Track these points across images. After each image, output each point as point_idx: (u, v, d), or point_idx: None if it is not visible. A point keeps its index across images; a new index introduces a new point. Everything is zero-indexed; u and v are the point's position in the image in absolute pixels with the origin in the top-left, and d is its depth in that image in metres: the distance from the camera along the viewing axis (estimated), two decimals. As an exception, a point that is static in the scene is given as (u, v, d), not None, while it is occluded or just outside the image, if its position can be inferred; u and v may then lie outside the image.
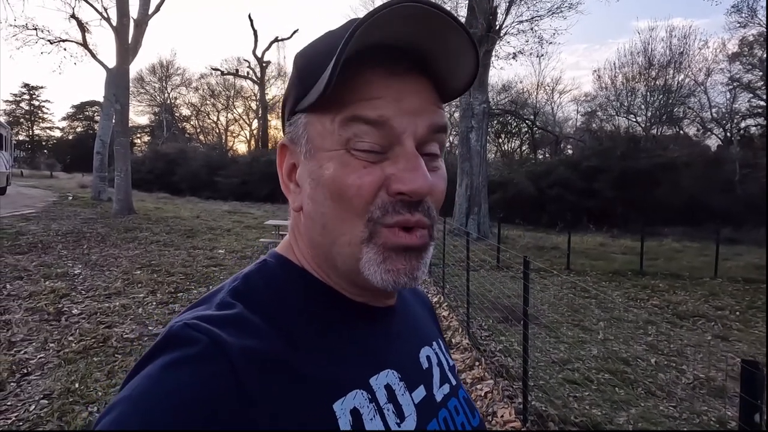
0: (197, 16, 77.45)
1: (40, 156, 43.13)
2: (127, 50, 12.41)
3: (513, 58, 13.56)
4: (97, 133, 14.78)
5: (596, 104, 26.60)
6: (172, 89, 38.65)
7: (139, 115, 39.69)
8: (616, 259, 9.30)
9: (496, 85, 26.45)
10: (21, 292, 4.75)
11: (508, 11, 12.04)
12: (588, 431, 2.73)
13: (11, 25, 14.14)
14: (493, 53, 12.36)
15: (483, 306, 5.03)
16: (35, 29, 14.48)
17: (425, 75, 0.42)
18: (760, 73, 19.19)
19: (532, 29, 12.74)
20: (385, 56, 0.40)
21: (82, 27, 14.65)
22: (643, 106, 23.47)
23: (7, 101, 43.38)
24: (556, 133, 27.02)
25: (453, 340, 4.11)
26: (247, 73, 32.33)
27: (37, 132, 44.97)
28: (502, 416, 2.75)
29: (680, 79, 22.49)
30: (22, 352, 3.38)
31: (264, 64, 30.71)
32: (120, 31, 12.43)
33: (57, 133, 45.46)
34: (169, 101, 38.46)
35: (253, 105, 36.11)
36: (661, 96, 22.69)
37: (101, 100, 16.02)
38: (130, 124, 13.79)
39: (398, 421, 0.42)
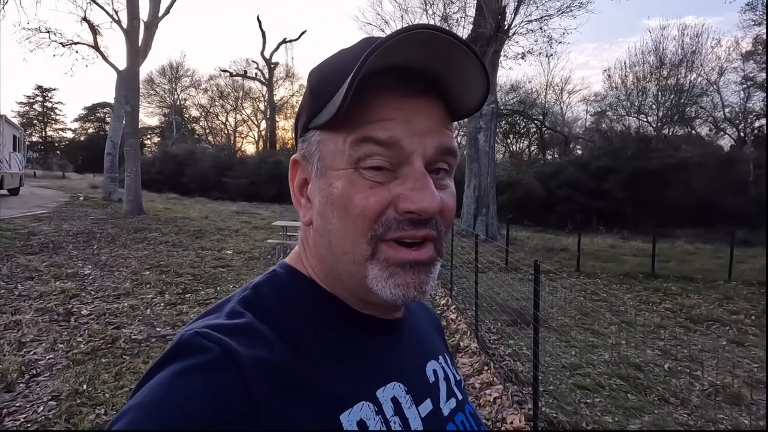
0: (206, 18, 78.17)
1: (52, 157, 43.79)
2: (137, 52, 12.55)
3: (522, 57, 13.46)
4: (108, 134, 14.98)
5: (606, 104, 26.33)
6: (181, 91, 39.06)
7: (149, 116, 40.17)
8: (627, 261, 9.17)
9: (505, 86, 26.33)
10: (32, 293, 4.80)
11: (516, 11, 11.95)
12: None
13: (25, 28, 14.37)
14: (502, 53, 12.27)
15: (491, 309, 4.97)
16: (48, 32, 14.72)
17: (436, 96, 0.43)
18: (775, 72, 18.84)
19: (541, 29, 12.64)
20: (398, 78, 0.41)
21: (94, 30, 14.84)
22: (654, 106, 23.17)
23: (20, 103, 44.22)
24: (565, 133, 26.79)
25: (461, 344, 4.06)
26: (256, 74, 32.53)
27: (49, 133, 45.73)
28: (511, 422, 2.70)
29: (692, 78, 22.18)
30: (32, 352, 3.40)
31: (272, 66, 30.87)
32: (130, 33, 12.56)
33: (69, 135, 46.21)
34: (178, 102, 38.84)
35: (262, 106, 36.32)
36: (672, 95, 22.37)
37: (112, 101, 16.24)
38: (140, 126, 13.94)
39: None
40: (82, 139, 44.22)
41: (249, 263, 7.12)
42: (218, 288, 5.53)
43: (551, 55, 13.90)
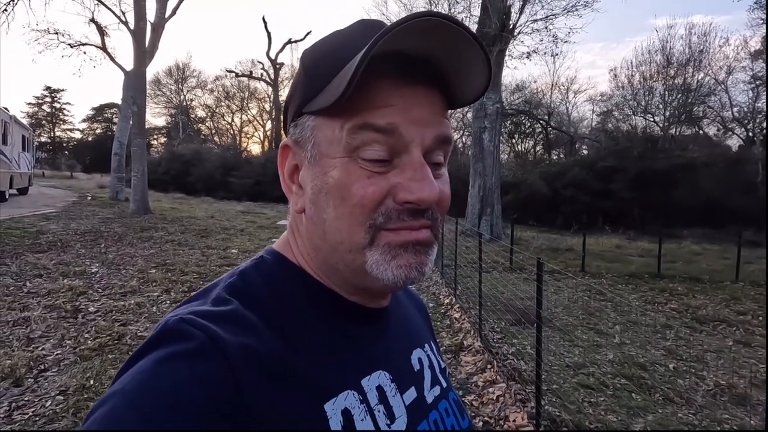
0: (212, 19, 78.63)
1: (60, 157, 44.25)
2: (144, 53, 12.65)
3: (527, 57, 13.42)
4: (115, 134, 15.10)
5: (612, 104, 26.17)
6: (187, 91, 39.34)
7: (155, 116, 40.51)
8: (632, 261, 9.11)
9: (510, 85, 26.26)
10: (40, 290, 4.86)
11: (522, 10, 11.91)
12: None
13: (34, 30, 14.55)
14: (507, 53, 12.24)
15: (495, 308, 4.97)
16: (56, 33, 14.87)
17: (435, 85, 0.42)
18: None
19: (546, 28, 12.58)
20: (398, 65, 0.40)
21: (101, 31, 14.98)
22: (661, 106, 22.98)
23: (29, 104, 44.70)
24: (571, 133, 26.65)
25: (465, 342, 4.06)
26: (261, 74, 32.68)
27: (58, 133, 46.18)
28: (514, 420, 2.70)
29: (700, 77, 21.96)
30: (40, 348, 3.45)
31: (277, 66, 30.98)
32: (137, 34, 12.67)
33: (77, 135, 46.64)
34: (184, 103, 39.11)
35: (267, 106, 36.49)
36: (679, 95, 22.17)
37: (119, 102, 16.38)
38: (146, 126, 14.06)
39: (389, 422, 0.42)
40: (89, 139, 44.63)
41: (254, 262, 7.15)
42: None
43: (557, 54, 13.86)
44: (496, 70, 11.34)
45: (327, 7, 75.81)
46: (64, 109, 46.24)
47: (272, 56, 30.40)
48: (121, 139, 14.63)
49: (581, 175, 17.19)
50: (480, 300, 4.41)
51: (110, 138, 21.17)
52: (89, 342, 3.59)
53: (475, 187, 11.50)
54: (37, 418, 2.51)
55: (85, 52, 16.26)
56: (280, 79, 31.77)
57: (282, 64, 31.60)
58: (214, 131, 41.06)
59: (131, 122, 13.20)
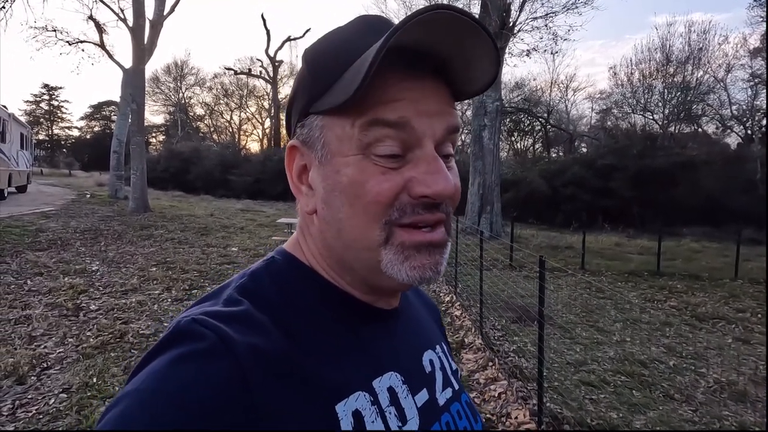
0: (211, 16, 78.31)
1: (59, 155, 44.15)
2: (142, 51, 12.61)
3: (527, 55, 13.38)
4: (114, 132, 15.07)
5: (612, 102, 26.14)
6: (186, 89, 39.21)
7: (154, 114, 40.41)
8: (632, 259, 9.13)
9: (509, 83, 26.20)
10: (41, 288, 4.86)
11: (521, 8, 11.89)
12: (604, 434, 2.68)
13: (32, 27, 14.48)
14: (507, 50, 12.22)
15: (496, 306, 4.98)
16: (54, 31, 14.80)
17: (441, 77, 0.42)
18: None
19: (546, 26, 12.54)
20: (405, 59, 0.40)
21: (100, 28, 14.92)
22: (660, 104, 22.97)
23: (27, 101, 44.55)
24: (570, 131, 26.65)
25: (465, 340, 4.08)
26: (260, 72, 32.60)
27: (56, 131, 46.06)
28: (516, 418, 2.72)
29: (699, 75, 21.92)
30: (42, 346, 3.45)
31: (276, 64, 30.91)
32: (136, 31, 12.63)
33: (75, 133, 46.56)
34: (183, 101, 38.99)
35: (266, 104, 36.39)
36: (679, 93, 22.16)
37: (118, 99, 16.33)
38: (145, 124, 14.03)
39: (400, 424, 0.42)
40: (88, 137, 44.52)
41: (254, 260, 7.10)
42: (224, 284, 5.57)
43: (556, 52, 13.81)
44: (496, 67, 11.29)
45: (326, 4, 75.61)
46: (62, 106, 46.13)
47: (271, 54, 30.33)
48: (119, 136, 14.60)
49: (581, 173, 17.19)
50: (481, 298, 4.42)
51: (109, 136, 21.15)
52: (91, 340, 3.59)
53: (474, 185, 11.51)
54: (41, 416, 2.52)
55: (83, 50, 16.21)
56: (279, 77, 31.72)
57: (281, 62, 31.55)
58: (212, 129, 40.98)
59: (130, 120, 13.18)
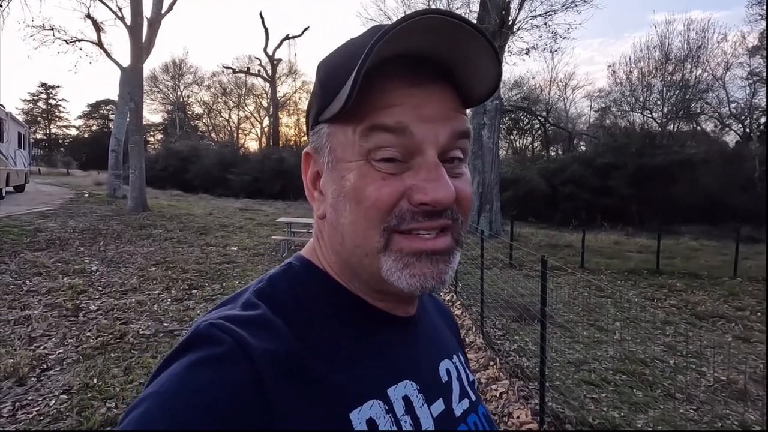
0: (209, 14, 78.02)
1: (57, 154, 43.96)
2: (140, 49, 12.55)
3: (526, 53, 13.37)
4: (112, 131, 15.01)
5: (610, 100, 26.11)
6: (184, 87, 39.07)
7: (152, 113, 40.24)
8: (631, 257, 9.14)
9: (508, 81, 26.15)
10: (40, 288, 4.85)
11: (521, 6, 11.87)
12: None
13: (29, 26, 14.40)
14: (506, 49, 12.20)
15: (496, 305, 4.98)
16: (52, 29, 14.72)
17: (447, 83, 0.42)
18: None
19: (545, 24, 12.53)
20: (407, 66, 0.40)
21: (97, 26, 14.84)
22: (659, 102, 22.97)
23: (25, 100, 44.37)
24: (569, 129, 26.66)
25: (466, 339, 4.07)
26: (259, 71, 32.47)
27: (54, 130, 45.88)
28: (518, 417, 2.71)
29: (698, 73, 21.92)
30: (42, 347, 3.44)
31: (275, 62, 30.80)
32: (134, 30, 12.57)
33: (73, 132, 46.38)
34: (181, 99, 38.88)
35: (264, 102, 36.28)
36: (677, 91, 22.16)
37: (116, 98, 16.25)
38: (143, 122, 13.97)
39: None
40: (86, 136, 44.37)
41: (254, 259, 7.15)
42: (224, 284, 5.56)
43: (555, 50, 13.77)
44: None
45: (324, 2, 75.46)
46: (60, 105, 45.95)
47: (270, 52, 30.23)
48: (118, 135, 14.54)
49: (580, 171, 17.21)
50: (482, 297, 4.42)
51: (107, 135, 21.09)
52: (91, 341, 3.58)
53: (474, 184, 11.42)
54: (42, 418, 2.51)
55: (81, 49, 16.13)
56: (277, 75, 31.62)
57: (279, 60, 31.45)
58: (211, 128, 40.86)
59: (128, 119, 13.12)
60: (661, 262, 8.10)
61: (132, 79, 12.58)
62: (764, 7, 18.19)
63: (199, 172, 23.18)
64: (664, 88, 22.60)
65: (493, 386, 3.12)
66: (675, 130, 22.39)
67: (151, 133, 40.57)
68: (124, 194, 13.75)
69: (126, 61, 13.31)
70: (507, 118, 26.05)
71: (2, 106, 12.89)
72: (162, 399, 0.33)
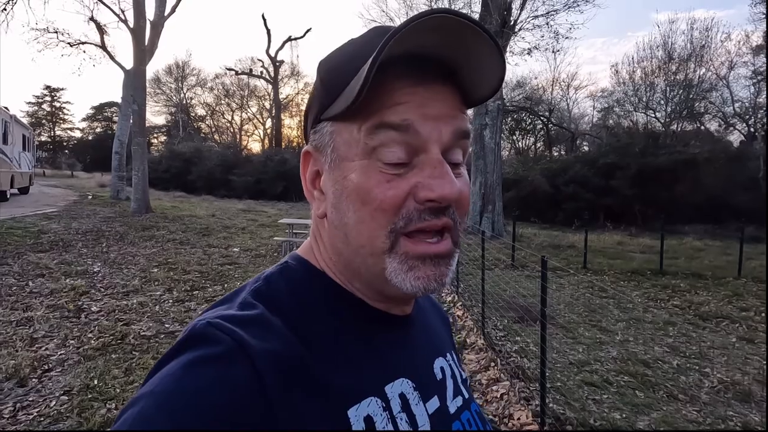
0: (211, 16, 78.38)
1: (61, 156, 44.24)
2: (143, 51, 12.62)
3: (528, 53, 13.35)
4: (116, 133, 15.08)
5: (613, 100, 25.99)
6: (187, 89, 39.25)
7: (155, 115, 40.43)
8: (634, 258, 9.10)
9: (511, 82, 26.08)
10: (43, 290, 4.87)
11: (522, 6, 11.86)
12: (608, 435, 2.66)
13: (33, 29, 14.49)
14: (508, 49, 12.19)
15: (498, 306, 4.96)
16: (56, 32, 14.83)
17: (449, 83, 0.43)
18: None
19: (547, 24, 12.51)
20: (411, 65, 0.40)
21: (101, 29, 14.94)
22: (662, 102, 22.87)
23: (29, 103, 44.68)
24: (572, 129, 26.58)
25: (468, 340, 4.06)
26: (261, 72, 32.58)
27: (58, 133, 46.16)
28: (518, 419, 2.70)
29: (701, 73, 21.81)
30: (44, 348, 3.45)
31: (277, 64, 30.88)
32: (137, 32, 12.64)
33: (77, 134, 46.64)
34: (184, 101, 39.04)
35: (267, 104, 36.42)
36: (681, 91, 22.06)
37: (119, 101, 16.34)
38: (147, 125, 14.05)
39: (411, 430, 0.42)
40: (90, 138, 44.60)
41: (256, 260, 7.16)
42: (225, 285, 5.57)
43: (558, 50, 13.76)
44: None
45: (326, 4, 75.63)
46: (64, 108, 46.22)
47: (272, 54, 30.31)
48: (121, 137, 14.61)
49: (582, 171, 17.14)
50: (483, 298, 4.41)
51: (110, 137, 21.17)
52: (92, 342, 3.59)
53: (476, 185, 11.48)
54: (42, 419, 2.51)
55: (84, 51, 16.22)
56: (279, 77, 31.70)
57: (282, 62, 31.52)
58: (214, 129, 41.01)
59: (131, 121, 13.18)
60: (664, 262, 8.05)
61: (135, 81, 12.64)
62: (766, 5, 18.08)
63: (202, 173, 23.26)
64: (668, 88, 22.49)
65: (494, 387, 3.11)
66: (679, 129, 22.27)
67: (155, 135, 40.74)
68: (127, 196, 13.81)
69: (129, 64, 13.39)
70: (510, 119, 26.01)
71: (6, 108, 12.98)
72: (158, 398, 0.33)
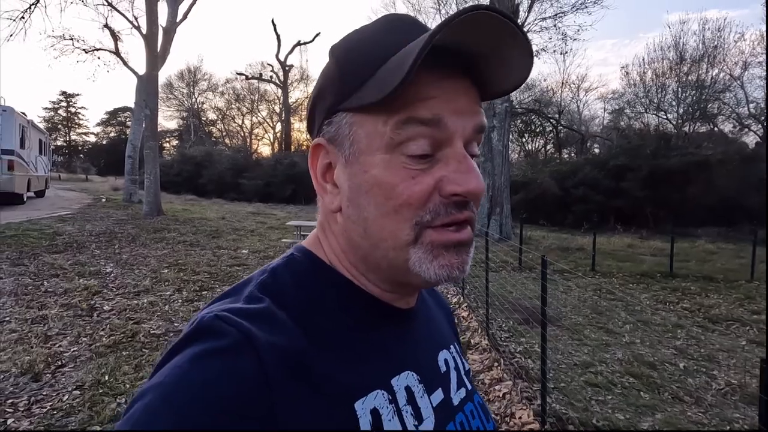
0: (222, 22, 79.48)
1: (76, 160, 45.13)
2: (156, 57, 12.87)
3: (536, 55, 13.31)
4: (129, 137, 15.37)
5: (624, 101, 25.73)
6: (199, 94, 39.84)
7: (167, 119, 41.09)
8: (644, 260, 9.00)
9: (519, 84, 25.93)
10: (57, 289, 5.00)
11: (530, 8, 11.87)
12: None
13: (50, 36, 14.87)
14: (516, 51, 12.15)
15: (503, 307, 4.96)
16: (71, 39, 15.20)
17: (469, 76, 0.42)
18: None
19: (555, 26, 12.50)
20: (438, 58, 0.39)
21: (115, 36, 15.27)
22: (674, 103, 22.57)
23: (46, 108, 45.77)
24: (582, 131, 26.36)
25: (472, 341, 4.08)
26: (271, 77, 32.93)
27: (73, 137, 47.16)
28: (520, 418, 2.71)
29: (714, 73, 21.49)
30: (57, 345, 3.55)
31: (287, 68, 31.20)
32: (149, 38, 12.89)
33: (92, 138, 47.65)
34: (196, 106, 39.62)
35: (277, 108, 36.77)
36: (693, 92, 21.76)
37: (132, 106, 16.65)
38: (159, 129, 14.28)
39: (416, 423, 0.42)
40: (104, 142, 45.52)
41: (264, 262, 7.23)
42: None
43: (566, 52, 13.75)
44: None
45: (335, 9, 76.17)
46: (79, 113, 47.28)
47: (281, 58, 30.64)
48: (134, 142, 14.89)
49: (592, 173, 16.98)
50: (487, 299, 4.42)
51: (124, 141, 21.57)
52: (104, 339, 3.68)
53: (484, 187, 11.46)
54: (55, 412, 2.60)
55: (99, 57, 16.66)
56: (289, 81, 32.01)
57: (291, 66, 31.84)
58: (224, 133, 41.55)
59: (144, 125, 13.43)
60: (675, 265, 7.95)
61: (148, 86, 12.89)
62: (764, 6, 17.78)
63: (213, 177, 23.56)
64: (680, 89, 22.19)
65: (497, 387, 3.12)
66: (691, 131, 21.94)
67: (167, 140, 41.42)
68: (139, 199, 14.05)
69: (142, 69, 13.65)
70: (518, 121, 25.89)
71: (23, 114, 13.32)
72: (165, 391, 0.33)
